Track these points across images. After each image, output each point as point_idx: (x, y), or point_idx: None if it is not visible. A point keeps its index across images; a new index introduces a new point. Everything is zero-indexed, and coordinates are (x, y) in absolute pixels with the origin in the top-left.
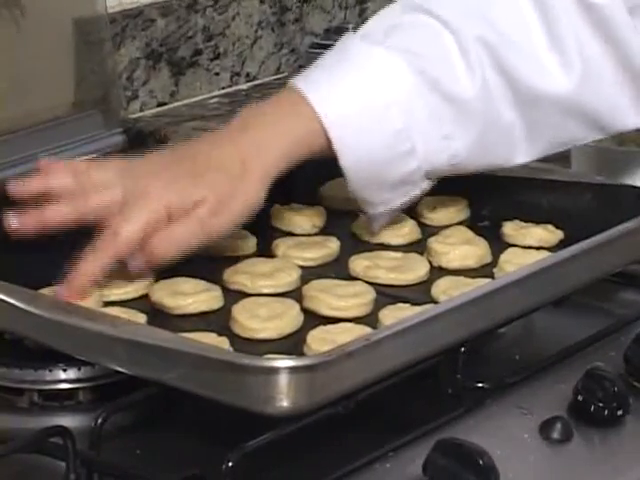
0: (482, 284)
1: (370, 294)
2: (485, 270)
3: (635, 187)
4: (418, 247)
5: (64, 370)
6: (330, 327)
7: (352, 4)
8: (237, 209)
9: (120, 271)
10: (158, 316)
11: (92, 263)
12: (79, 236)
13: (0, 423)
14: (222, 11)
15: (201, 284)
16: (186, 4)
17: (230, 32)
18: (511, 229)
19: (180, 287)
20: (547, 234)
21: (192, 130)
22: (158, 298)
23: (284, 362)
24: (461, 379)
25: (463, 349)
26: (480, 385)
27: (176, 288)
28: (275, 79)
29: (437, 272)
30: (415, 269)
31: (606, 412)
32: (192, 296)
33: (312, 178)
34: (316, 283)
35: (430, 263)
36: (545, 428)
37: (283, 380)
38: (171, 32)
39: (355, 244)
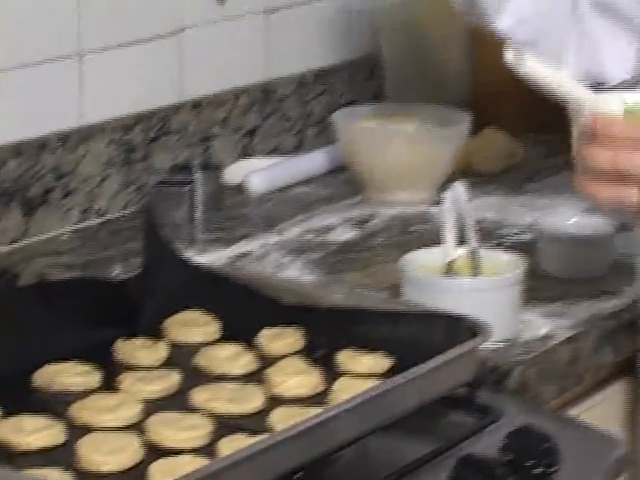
0: (313, 413)
1: (207, 427)
2: (319, 398)
3: (457, 317)
4: (257, 377)
5: None
6: (171, 459)
7: (195, 142)
8: None
9: None
10: (5, 453)
11: None
12: None
13: None
14: (71, 151)
15: (43, 420)
16: (37, 145)
17: (79, 171)
18: (344, 357)
19: (24, 424)
20: (375, 362)
21: (45, 267)
22: (3, 435)
23: None
24: None
25: (296, 476)
26: None
27: (20, 425)
28: (122, 215)
29: (274, 402)
30: (251, 400)
31: None
32: (34, 433)
33: (156, 312)
34: (157, 416)
35: (268, 392)
36: None
37: None
38: (23, 172)
39: (197, 376)
